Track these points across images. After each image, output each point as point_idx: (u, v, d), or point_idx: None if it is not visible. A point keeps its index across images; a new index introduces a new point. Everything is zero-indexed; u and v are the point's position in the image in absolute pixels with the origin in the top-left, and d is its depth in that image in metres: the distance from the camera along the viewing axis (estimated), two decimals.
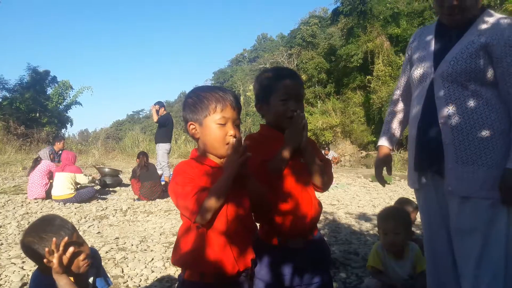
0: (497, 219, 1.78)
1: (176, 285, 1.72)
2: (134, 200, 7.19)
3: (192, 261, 1.45)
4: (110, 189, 8.49)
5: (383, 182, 2.33)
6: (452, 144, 1.84)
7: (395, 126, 2.29)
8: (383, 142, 2.28)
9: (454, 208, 1.88)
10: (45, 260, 1.69)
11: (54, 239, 1.71)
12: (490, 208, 1.78)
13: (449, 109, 1.85)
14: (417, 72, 2.01)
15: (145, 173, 7.34)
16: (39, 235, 1.77)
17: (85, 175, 7.55)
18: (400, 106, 2.29)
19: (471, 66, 1.81)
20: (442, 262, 2.01)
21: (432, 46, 2.00)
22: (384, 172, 2.26)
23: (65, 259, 1.72)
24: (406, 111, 2.24)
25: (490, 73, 1.81)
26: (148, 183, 7.20)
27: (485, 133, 1.79)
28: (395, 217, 2.63)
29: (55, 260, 1.68)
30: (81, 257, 1.81)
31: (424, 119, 1.95)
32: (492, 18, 1.85)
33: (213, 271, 1.43)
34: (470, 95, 1.82)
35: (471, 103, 1.82)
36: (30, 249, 1.78)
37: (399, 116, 2.29)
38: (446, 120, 1.85)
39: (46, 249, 1.68)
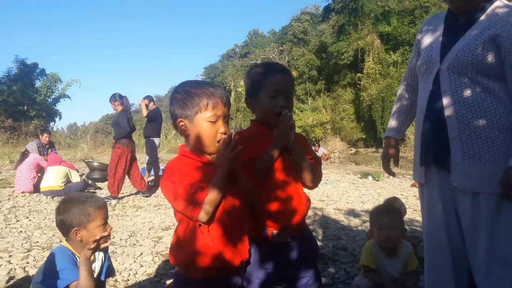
0: (507, 213, 1.74)
1: (172, 281, 1.71)
2: (123, 194, 7.13)
3: (196, 259, 1.43)
4: (99, 183, 8.41)
5: (391, 173, 2.28)
6: (459, 139, 1.78)
7: (402, 117, 2.22)
8: (390, 133, 2.22)
9: (466, 205, 1.81)
10: (91, 246, 1.73)
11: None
12: (499, 203, 1.73)
13: (456, 103, 1.78)
14: (423, 63, 1.94)
15: None
16: (87, 210, 1.83)
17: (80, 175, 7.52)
18: (407, 97, 2.22)
19: (478, 59, 1.73)
20: (441, 260, 1.95)
21: (440, 35, 1.91)
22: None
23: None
24: (413, 102, 2.16)
25: (498, 66, 1.73)
26: None
27: (492, 127, 1.73)
28: (390, 212, 2.64)
29: (93, 246, 1.73)
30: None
31: (429, 112, 1.89)
32: (503, 7, 1.75)
33: (218, 266, 1.43)
34: (477, 88, 1.76)
35: (478, 96, 1.75)
36: (70, 217, 1.83)
37: (406, 107, 2.22)
38: (452, 114, 1.79)
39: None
